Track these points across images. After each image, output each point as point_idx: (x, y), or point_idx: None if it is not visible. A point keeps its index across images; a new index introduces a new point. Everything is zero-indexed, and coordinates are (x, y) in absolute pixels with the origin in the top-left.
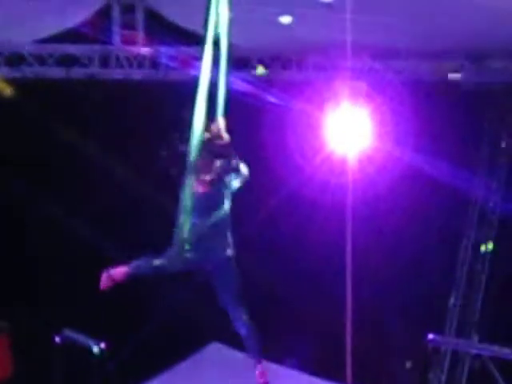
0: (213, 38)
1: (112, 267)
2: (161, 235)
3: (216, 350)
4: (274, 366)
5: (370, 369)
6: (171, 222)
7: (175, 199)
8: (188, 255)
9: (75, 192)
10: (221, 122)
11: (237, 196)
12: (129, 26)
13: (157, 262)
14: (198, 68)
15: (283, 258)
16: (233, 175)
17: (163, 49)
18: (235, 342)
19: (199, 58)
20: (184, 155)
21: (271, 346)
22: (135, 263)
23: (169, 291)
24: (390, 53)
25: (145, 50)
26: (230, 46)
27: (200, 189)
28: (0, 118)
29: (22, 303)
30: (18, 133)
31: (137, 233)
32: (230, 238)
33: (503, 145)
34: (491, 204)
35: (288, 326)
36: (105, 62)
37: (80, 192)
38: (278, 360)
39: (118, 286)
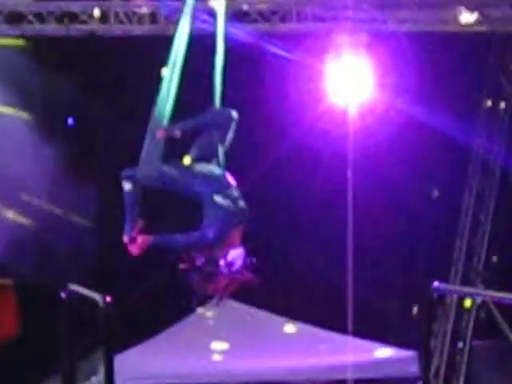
0: None
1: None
2: None
3: (222, 305)
4: (278, 318)
5: (374, 319)
6: None
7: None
8: None
9: (77, 150)
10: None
11: (238, 147)
12: None
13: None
14: (200, 21)
15: (284, 209)
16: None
17: (163, 2)
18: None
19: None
20: None
21: (272, 298)
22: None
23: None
24: (391, 2)
25: (144, 4)
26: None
27: None
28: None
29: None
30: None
31: None
32: None
33: (504, 94)
34: (493, 154)
35: (289, 278)
36: (104, 19)
37: (83, 149)
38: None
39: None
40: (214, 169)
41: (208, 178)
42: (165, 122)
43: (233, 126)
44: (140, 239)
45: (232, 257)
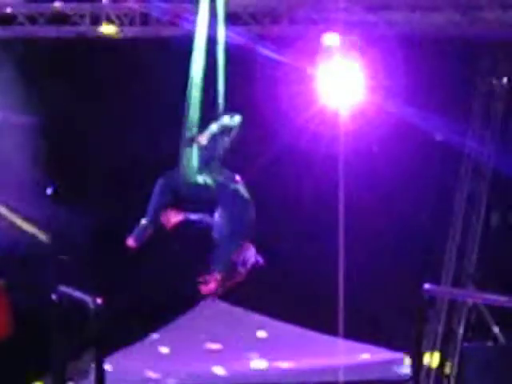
0: None
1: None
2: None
3: (212, 305)
4: (268, 320)
5: (365, 321)
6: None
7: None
8: None
9: (72, 150)
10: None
11: (229, 149)
12: None
13: None
14: (191, 22)
15: (275, 210)
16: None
17: (155, 3)
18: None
19: (194, 14)
20: None
21: (263, 301)
22: None
23: (168, 244)
24: (383, 5)
25: (136, 5)
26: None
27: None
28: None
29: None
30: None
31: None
32: None
33: (496, 96)
34: (485, 156)
35: (280, 281)
36: (96, 20)
37: (77, 150)
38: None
39: (116, 241)
40: (224, 171)
41: (229, 185)
42: (195, 129)
43: (236, 129)
44: (212, 283)
45: (247, 257)
